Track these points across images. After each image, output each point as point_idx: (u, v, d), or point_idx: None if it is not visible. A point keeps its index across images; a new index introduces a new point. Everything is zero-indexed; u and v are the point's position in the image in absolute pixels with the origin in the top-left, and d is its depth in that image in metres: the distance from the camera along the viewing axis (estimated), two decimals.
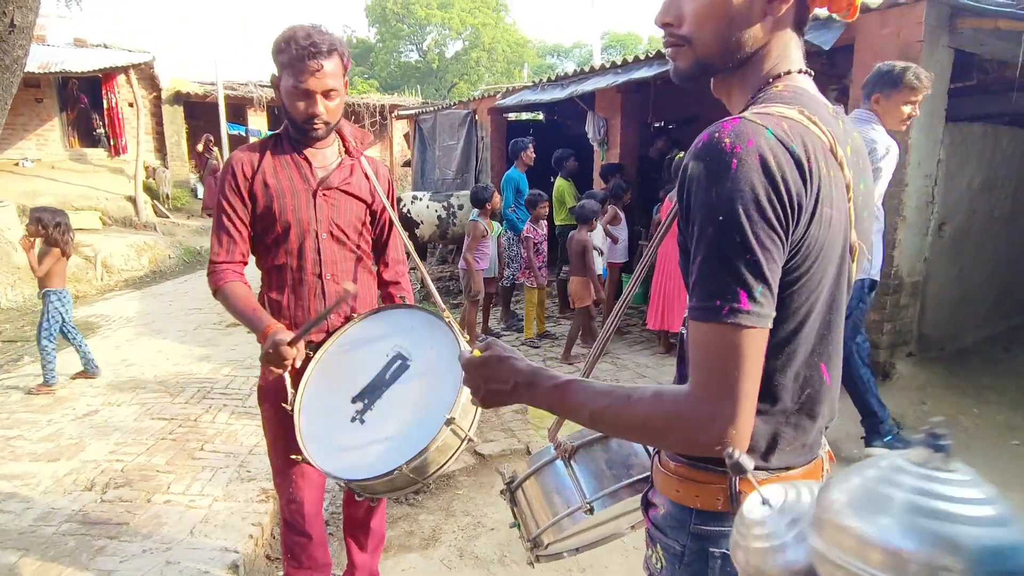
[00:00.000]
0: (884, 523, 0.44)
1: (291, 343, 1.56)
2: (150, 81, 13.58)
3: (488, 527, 2.78)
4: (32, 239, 4.27)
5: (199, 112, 15.13)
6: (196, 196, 13.63)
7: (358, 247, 1.90)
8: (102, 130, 12.91)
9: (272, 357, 1.57)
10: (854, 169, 0.84)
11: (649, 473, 1.01)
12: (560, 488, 1.07)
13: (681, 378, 0.94)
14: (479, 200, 5.28)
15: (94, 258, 8.51)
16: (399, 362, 1.68)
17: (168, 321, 6.32)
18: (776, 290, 0.75)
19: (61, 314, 4.33)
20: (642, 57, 5.88)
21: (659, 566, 0.93)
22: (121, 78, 12.30)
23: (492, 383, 0.93)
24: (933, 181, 4.24)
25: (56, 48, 12.28)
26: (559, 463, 1.09)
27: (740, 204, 0.72)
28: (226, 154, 13.95)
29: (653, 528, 0.94)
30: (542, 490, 1.10)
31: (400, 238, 2.03)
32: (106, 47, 12.93)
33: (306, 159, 1.81)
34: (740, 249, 0.73)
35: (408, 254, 2.05)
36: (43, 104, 12.32)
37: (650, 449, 1.07)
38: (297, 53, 1.62)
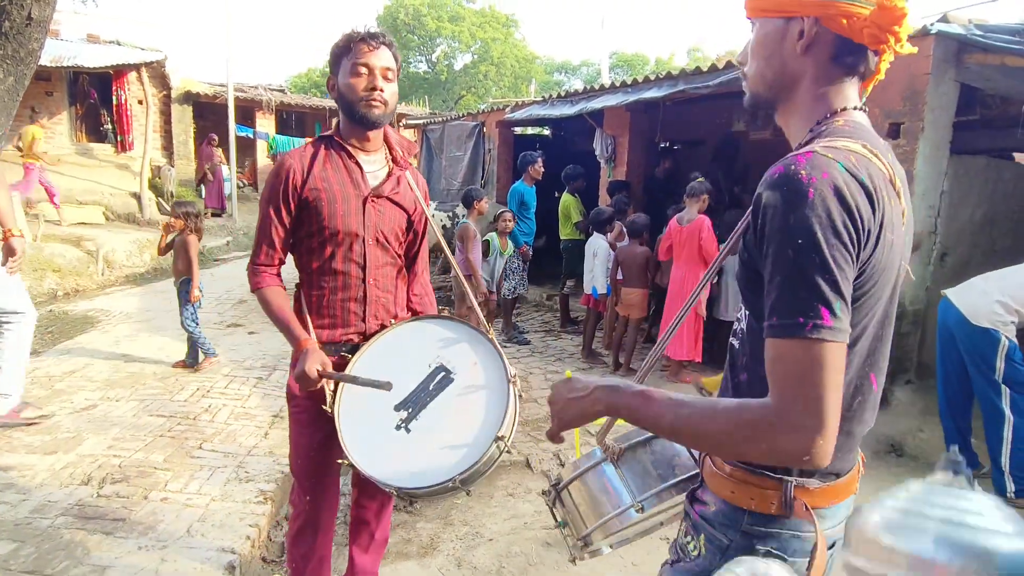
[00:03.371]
0: (919, 537, 0.47)
1: (321, 375, 1.67)
2: (161, 80, 13.63)
3: (487, 538, 2.77)
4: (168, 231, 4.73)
5: (208, 112, 15.19)
6: (200, 195, 13.66)
7: (398, 255, 1.93)
8: (110, 126, 12.94)
9: (304, 381, 1.68)
10: (905, 199, 0.92)
11: (692, 473, 1.10)
12: (608, 489, 1.14)
13: (734, 387, 1.01)
14: (468, 199, 5.46)
15: (96, 253, 8.50)
16: (442, 374, 1.72)
17: (169, 318, 6.26)
18: (851, 307, 0.82)
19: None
20: (652, 78, 5.95)
21: (696, 553, 1.00)
22: (132, 75, 12.37)
23: (572, 392, 1.00)
24: (936, 212, 4.29)
25: (69, 43, 12.32)
26: (606, 465, 1.14)
27: (819, 228, 0.79)
28: (230, 156, 14.00)
29: (700, 520, 1.00)
30: (590, 491, 1.17)
31: (427, 249, 2.08)
32: (119, 44, 13.00)
33: (358, 164, 1.81)
34: (820, 269, 0.79)
35: (441, 250, 2.08)
36: (53, 97, 12.35)
37: (695, 452, 1.14)
38: (355, 37, 1.71)
